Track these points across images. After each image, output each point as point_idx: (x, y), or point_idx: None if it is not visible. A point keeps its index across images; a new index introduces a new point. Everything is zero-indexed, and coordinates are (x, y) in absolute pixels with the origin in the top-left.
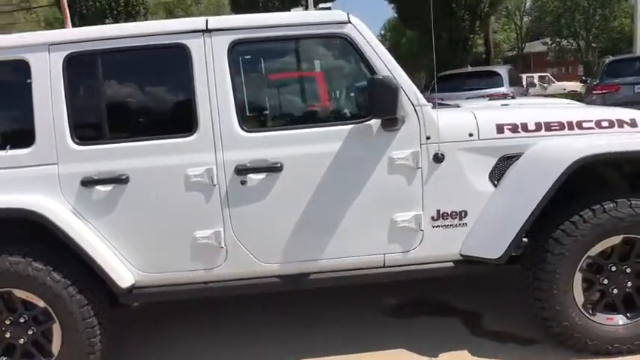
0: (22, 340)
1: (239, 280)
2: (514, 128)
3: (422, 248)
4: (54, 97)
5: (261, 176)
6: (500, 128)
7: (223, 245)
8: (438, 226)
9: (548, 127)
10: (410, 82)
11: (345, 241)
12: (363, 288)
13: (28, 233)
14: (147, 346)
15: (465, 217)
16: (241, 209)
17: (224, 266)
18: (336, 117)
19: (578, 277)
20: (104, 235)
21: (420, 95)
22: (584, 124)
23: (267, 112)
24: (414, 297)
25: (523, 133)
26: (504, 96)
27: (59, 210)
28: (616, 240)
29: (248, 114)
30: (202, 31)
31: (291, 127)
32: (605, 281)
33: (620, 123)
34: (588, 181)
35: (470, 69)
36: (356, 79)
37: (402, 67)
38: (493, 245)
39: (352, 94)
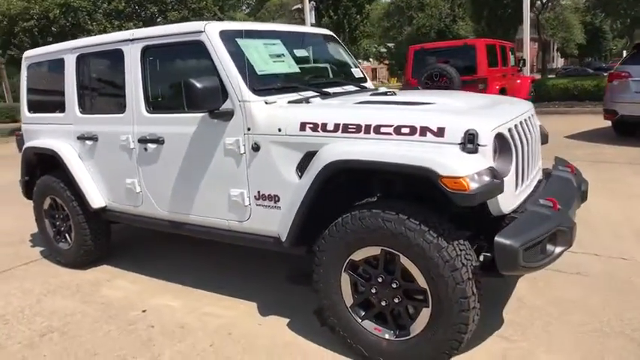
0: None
1: (152, 218)
2: (315, 127)
3: (251, 221)
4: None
5: (153, 146)
6: (302, 126)
7: (139, 191)
8: (260, 205)
9: (345, 128)
10: (239, 80)
11: (203, 204)
12: None
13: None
14: (144, 260)
15: (278, 201)
16: (145, 168)
17: (141, 207)
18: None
19: (345, 278)
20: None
21: (247, 92)
22: (382, 129)
23: (159, 99)
24: None
25: (322, 133)
26: None
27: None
28: (375, 250)
29: (150, 100)
30: (129, 40)
31: (169, 112)
32: (374, 290)
33: (423, 131)
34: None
35: None
36: (211, 75)
37: None
38: (284, 231)
39: None
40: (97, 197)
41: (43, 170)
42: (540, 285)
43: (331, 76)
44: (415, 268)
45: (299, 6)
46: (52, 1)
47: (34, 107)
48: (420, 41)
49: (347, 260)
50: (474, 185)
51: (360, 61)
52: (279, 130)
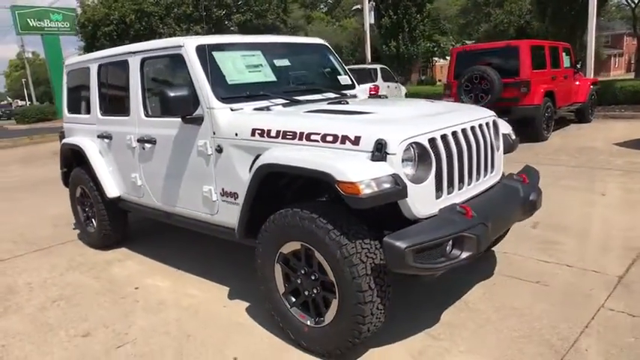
0: None
1: (151, 208)
2: (262, 133)
3: (219, 215)
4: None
5: (149, 145)
6: (253, 132)
7: (140, 184)
8: (225, 201)
9: (285, 135)
10: (207, 89)
11: (185, 198)
12: None
13: None
14: (155, 246)
15: (237, 198)
16: (143, 164)
17: (143, 198)
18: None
19: (278, 268)
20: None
21: (213, 100)
22: (312, 137)
23: (153, 104)
24: None
25: (267, 138)
26: None
27: (91, 146)
28: (297, 245)
29: (147, 105)
30: (132, 52)
31: (159, 116)
32: (299, 281)
33: (343, 139)
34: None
35: None
36: (189, 84)
37: None
38: (236, 225)
39: None
40: (112, 188)
41: (76, 163)
42: (494, 290)
43: (314, 83)
44: (325, 262)
45: (359, 6)
46: (128, 7)
47: (71, 108)
48: (497, 38)
49: (278, 253)
50: (367, 190)
51: (435, 59)
52: (236, 134)
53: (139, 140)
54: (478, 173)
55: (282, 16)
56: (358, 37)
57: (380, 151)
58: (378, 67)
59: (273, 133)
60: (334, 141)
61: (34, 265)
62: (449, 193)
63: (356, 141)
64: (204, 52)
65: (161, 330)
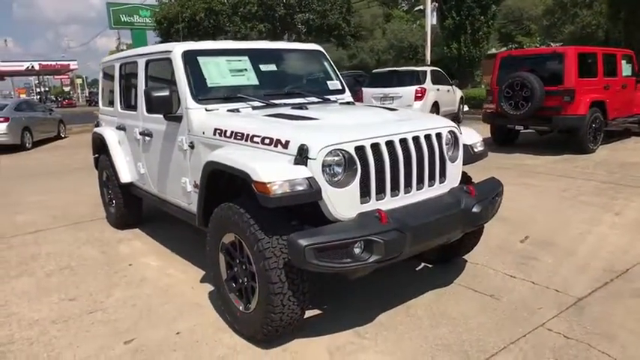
0: None
1: (152, 195)
2: (221, 133)
3: (193, 205)
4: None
5: (148, 138)
6: (214, 131)
7: (143, 172)
8: (195, 192)
9: (236, 136)
10: (186, 91)
11: (170, 187)
12: None
13: None
14: (163, 229)
15: None
16: (144, 154)
17: (146, 185)
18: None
19: (221, 256)
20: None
21: (190, 101)
22: (255, 139)
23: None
24: None
25: (223, 137)
26: None
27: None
28: (232, 237)
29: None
30: (140, 54)
31: (154, 112)
32: (236, 269)
33: (276, 143)
34: None
35: None
36: (166, 86)
37: None
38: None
39: None
40: (125, 174)
41: (103, 150)
42: (442, 299)
43: (298, 87)
44: (250, 253)
45: (421, 7)
46: (199, 5)
47: (103, 101)
48: (584, 41)
49: (220, 243)
50: (277, 190)
51: None
52: (203, 132)
53: (141, 133)
54: (420, 182)
55: (346, 16)
56: (433, 37)
57: (301, 155)
58: (428, 69)
59: (228, 134)
60: (270, 144)
61: (60, 238)
62: (378, 199)
63: (285, 145)
64: (190, 57)
65: (130, 303)
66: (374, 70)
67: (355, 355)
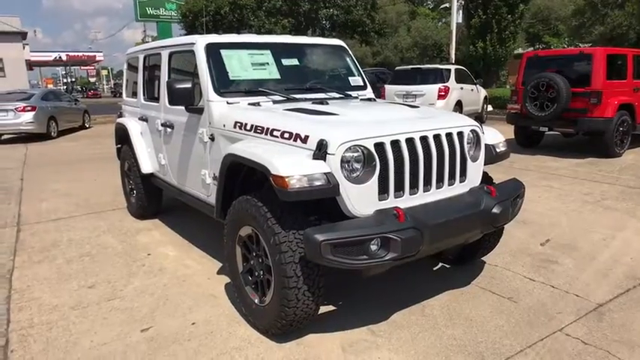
0: None
1: (171, 186)
2: (241, 126)
3: (212, 197)
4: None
5: (169, 130)
6: (235, 124)
7: (164, 163)
8: (215, 184)
9: (256, 129)
10: (208, 83)
11: (190, 178)
12: None
13: None
14: (181, 221)
15: None
16: (165, 146)
17: (166, 176)
18: None
19: (238, 249)
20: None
21: (212, 93)
22: (274, 133)
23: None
24: None
25: (243, 131)
26: None
27: (134, 126)
28: (249, 229)
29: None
30: (164, 47)
31: (176, 104)
32: (252, 262)
33: (296, 137)
34: None
35: None
36: (189, 78)
37: None
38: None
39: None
40: (146, 165)
41: (125, 141)
42: (459, 300)
43: (319, 82)
44: (266, 247)
45: (447, 5)
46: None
47: (127, 92)
48: (614, 42)
49: (237, 235)
50: (295, 185)
51: None
52: (224, 125)
53: (162, 124)
54: (440, 181)
55: (370, 13)
56: (458, 36)
57: (320, 150)
58: (452, 67)
59: (248, 127)
60: (289, 138)
61: (82, 225)
62: (397, 197)
63: (305, 139)
64: (213, 49)
65: (148, 292)
66: (397, 68)
67: (369, 352)
